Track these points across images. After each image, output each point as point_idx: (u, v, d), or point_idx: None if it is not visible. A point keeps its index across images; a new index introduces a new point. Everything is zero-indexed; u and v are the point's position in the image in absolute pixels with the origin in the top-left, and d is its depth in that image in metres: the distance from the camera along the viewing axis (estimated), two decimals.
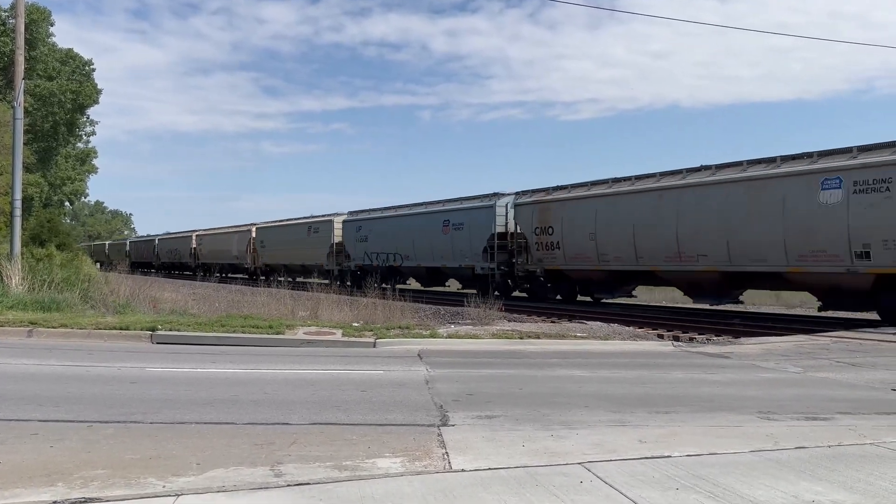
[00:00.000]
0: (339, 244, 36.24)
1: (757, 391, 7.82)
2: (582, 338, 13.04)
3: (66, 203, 64.54)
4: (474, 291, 24.49)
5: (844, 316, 18.58)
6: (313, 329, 12.78)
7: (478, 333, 12.89)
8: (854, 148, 16.54)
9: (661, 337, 15.20)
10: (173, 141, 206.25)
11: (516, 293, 26.91)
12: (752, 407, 6.74)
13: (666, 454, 4.92)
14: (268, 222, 47.30)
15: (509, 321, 16.74)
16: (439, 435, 5.43)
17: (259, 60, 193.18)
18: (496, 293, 25.00)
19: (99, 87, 55.23)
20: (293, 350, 11.07)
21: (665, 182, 20.72)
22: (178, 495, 3.92)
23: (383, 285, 24.85)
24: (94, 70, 54.97)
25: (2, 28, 45.22)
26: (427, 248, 29.77)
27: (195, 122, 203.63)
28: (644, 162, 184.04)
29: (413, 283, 32.55)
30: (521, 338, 12.49)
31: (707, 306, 20.95)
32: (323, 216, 39.61)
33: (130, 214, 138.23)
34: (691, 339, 15.07)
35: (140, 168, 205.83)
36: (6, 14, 45.87)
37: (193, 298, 21.88)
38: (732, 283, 19.54)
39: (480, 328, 14.09)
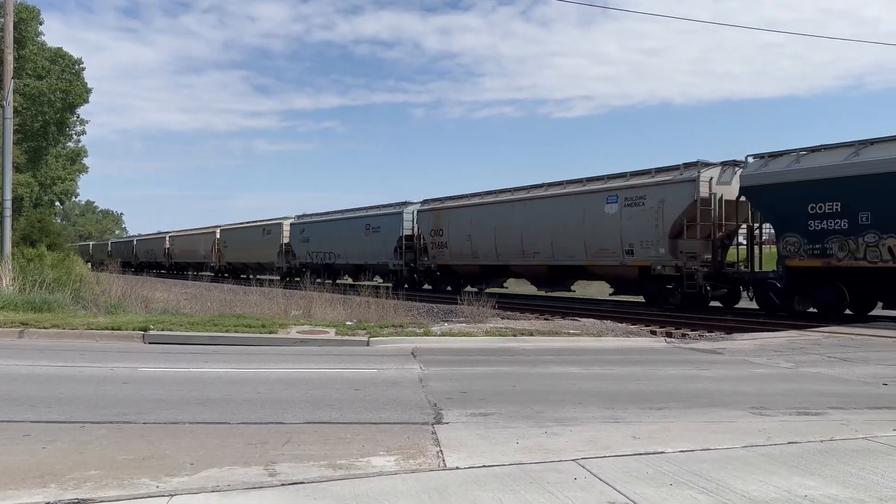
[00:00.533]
0: (287, 244, 41.62)
1: (749, 387, 7.85)
2: (575, 335, 13.06)
3: (57, 203, 64.11)
4: (391, 284, 29.36)
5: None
6: (306, 328, 12.76)
7: (471, 331, 12.90)
8: (627, 173, 22.41)
9: (653, 333, 15.25)
10: (165, 140, 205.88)
11: (426, 286, 32.42)
12: (745, 402, 6.78)
13: (659, 450, 4.94)
14: (229, 225, 52.01)
15: (502, 319, 16.74)
16: (433, 433, 5.43)
17: (251, 59, 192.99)
18: (405, 286, 30.97)
19: (89, 86, 54.93)
20: (286, 349, 11.05)
21: (516, 196, 26.73)
22: (172, 495, 3.90)
23: (318, 280, 31.66)
24: (83, 69, 54.66)
25: None
26: (355, 247, 35.39)
27: (187, 121, 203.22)
28: (636, 159, 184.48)
29: (349, 279, 37.70)
30: (514, 335, 12.50)
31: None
32: (274, 219, 44.70)
33: (121, 214, 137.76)
34: (684, 336, 15.12)
35: (132, 167, 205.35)
36: None
37: (185, 298, 21.80)
38: (558, 274, 25.25)
39: (474, 326, 14.09)
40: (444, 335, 12.38)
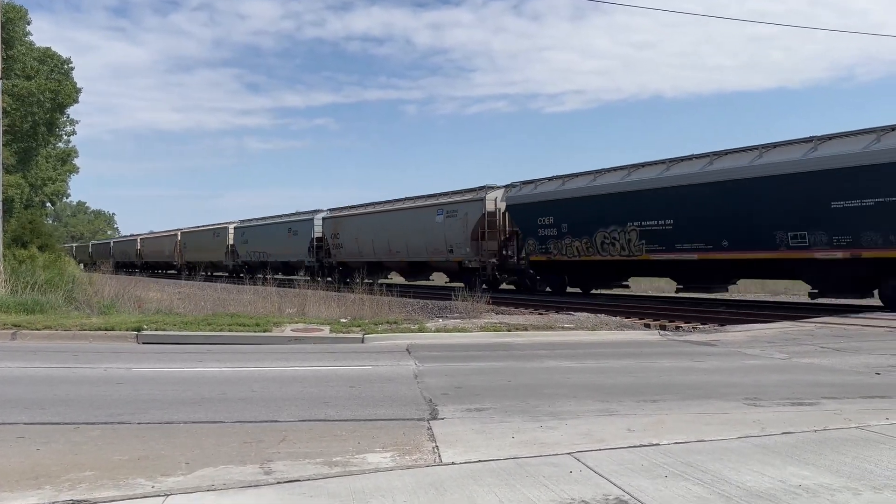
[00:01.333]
0: (232, 245, 48.12)
1: (743, 378, 7.89)
2: (569, 329, 13.09)
3: (48, 204, 63.86)
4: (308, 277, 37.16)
5: (828, 303, 18.79)
6: (301, 326, 12.75)
7: (466, 327, 12.91)
8: (449, 192, 30.91)
9: (647, 326, 15.29)
10: (157, 139, 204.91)
11: (328, 279, 36.95)
12: (739, 393, 6.80)
13: (654, 442, 4.96)
14: (188, 228, 58.23)
15: (497, 314, 16.76)
16: (429, 429, 5.43)
17: (241, 57, 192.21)
18: (318, 277, 36.50)
19: (78, 85, 54.68)
20: (281, 347, 11.04)
21: (385, 208, 34.92)
22: (168, 495, 3.90)
23: (258, 275, 32.73)
24: (72, 69, 54.36)
25: None
26: (281, 247, 42.37)
27: (179, 121, 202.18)
28: (627, 152, 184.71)
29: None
30: (508, 330, 12.52)
31: (691, 295, 21.66)
32: (220, 224, 51.29)
33: (113, 214, 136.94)
34: (678, 328, 15.17)
35: (124, 167, 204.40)
36: None
37: (179, 297, 21.73)
38: (414, 267, 33.13)
39: (468, 321, 14.10)
40: (438, 331, 12.39)
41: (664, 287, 28.49)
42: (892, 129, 16.24)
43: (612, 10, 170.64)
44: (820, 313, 16.02)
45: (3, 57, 19.94)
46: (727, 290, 22.54)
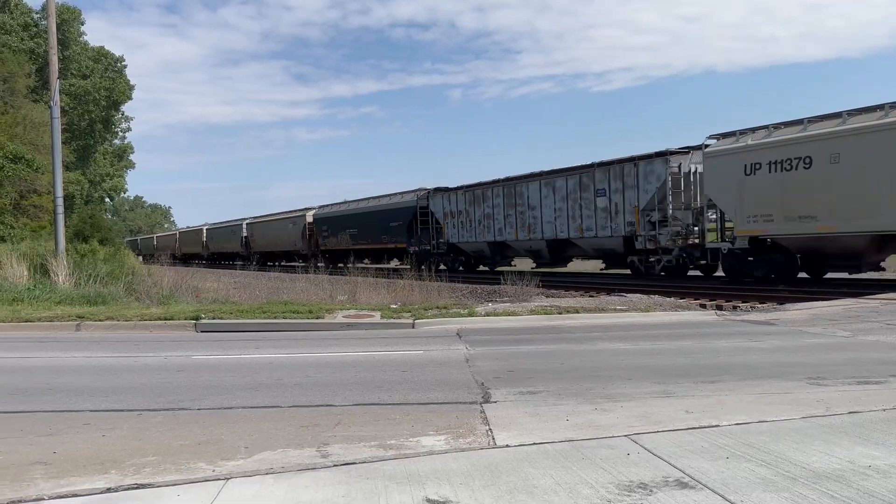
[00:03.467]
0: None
1: (805, 357, 7.65)
2: (622, 310, 12.90)
3: (107, 199, 65.95)
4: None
5: (893, 278, 18.07)
6: (352, 312, 12.87)
7: (515, 310, 12.84)
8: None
9: (703, 307, 14.97)
10: (208, 133, 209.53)
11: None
12: (801, 373, 6.60)
13: (714, 423, 4.84)
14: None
15: (547, 297, 16.64)
16: (482, 412, 5.42)
17: (289, 48, 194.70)
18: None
19: (132, 82, 56.17)
20: (333, 333, 11.16)
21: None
22: (228, 479, 3.97)
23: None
24: (125, 66, 55.88)
25: (35, 29, 46.05)
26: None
27: (229, 113, 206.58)
28: (678, 129, 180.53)
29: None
30: (559, 313, 12.41)
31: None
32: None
33: (169, 207, 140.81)
34: (735, 308, 14.81)
35: (177, 161, 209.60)
36: (38, 16, 46.71)
37: (235, 287, 22.18)
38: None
39: (518, 305, 14.03)
40: (488, 315, 12.35)
41: None
42: None
43: None
44: (885, 289, 15.42)
45: (59, 57, 20.51)
46: None
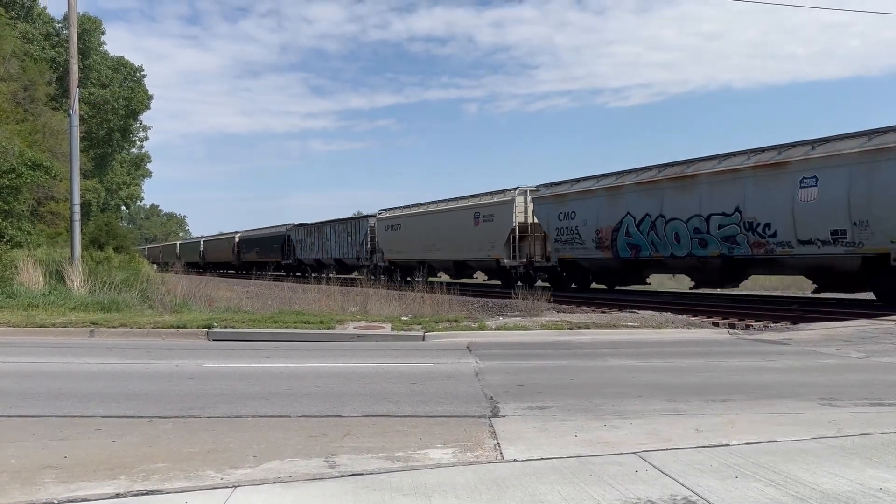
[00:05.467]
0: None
1: (818, 377, 7.59)
2: (633, 327, 12.85)
3: (123, 207, 66.54)
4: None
5: None
6: (363, 323, 12.89)
7: (526, 325, 12.82)
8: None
9: (716, 325, 14.87)
10: (225, 143, 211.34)
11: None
12: (814, 393, 6.54)
13: (724, 442, 4.81)
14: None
15: (558, 312, 16.59)
16: (490, 426, 5.41)
17: (307, 60, 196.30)
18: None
19: (150, 92, 56.82)
20: (344, 344, 11.18)
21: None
22: (236, 487, 3.99)
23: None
24: (144, 76, 56.51)
25: (56, 39, 46.75)
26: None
27: (246, 124, 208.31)
28: (693, 147, 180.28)
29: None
30: (570, 328, 12.37)
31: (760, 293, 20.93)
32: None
33: (184, 216, 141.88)
34: (748, 327, 14.70)
35: (194, 171, 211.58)
36: (60, 25, 47.42)
37: (247, 296, 22.28)
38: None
39: (529, 319, 14.00)
40: (499, 329, 12.34)
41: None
42: None
43: (679, 0, 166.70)
44: None
45: (79, 66, 20.79)
46: None
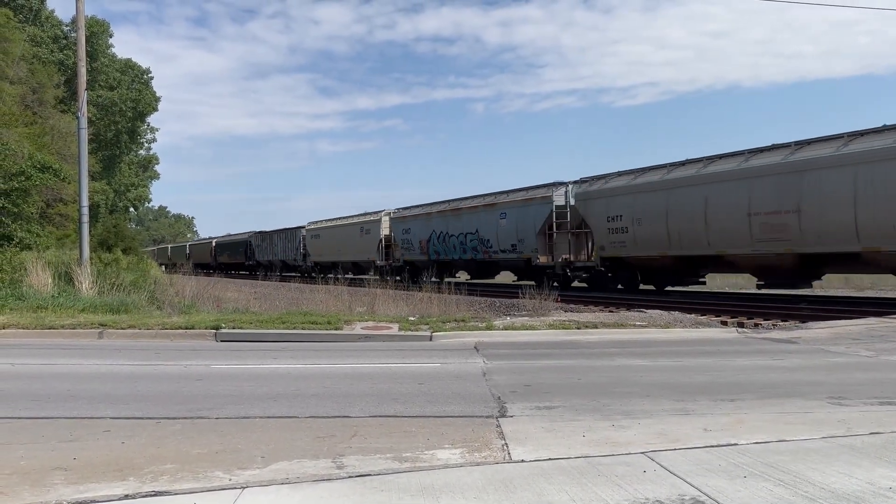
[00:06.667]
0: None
1: (827, 376, 7.55)
2: (641, 326, 12.81)
3: (131, 209, 66.80)
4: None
5: None
6: (370, 324, 12.91)
7: (534, 324, 12.80)
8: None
9: (724, 324, 14.83)
10: (233, 144, 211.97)
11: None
12: (823, 392, 6.51)
13: (732, 442, 4.79)
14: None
15: (566, 312, 16.56)
16: (498, 426, 5.41)
17: (315, 62, 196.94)
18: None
19: (158, 94, 57.05)
20: (351, 345, 11.20)
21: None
22: (244, 488, 4.00)
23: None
24: (152, 78, 56.77)
25: (64, 41, 46.98)
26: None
27: (254, 126, 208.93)
28: (699, 144, 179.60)
29: None
30: (578, 328, 12.35)
31: (770, 291, 20.76)
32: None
33: (192, 218, 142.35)
34: (756, 325, 14.66)
35: (202, 172, 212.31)
36: (68, 28, 47.66)
37: (255, 297, 22.33)
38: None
39: (537, 319, 13.98)
40: (506, 329, 12.33)
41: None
42: None
43: None
44: None
45: (87, 69, 20.89)
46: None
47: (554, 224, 26.21)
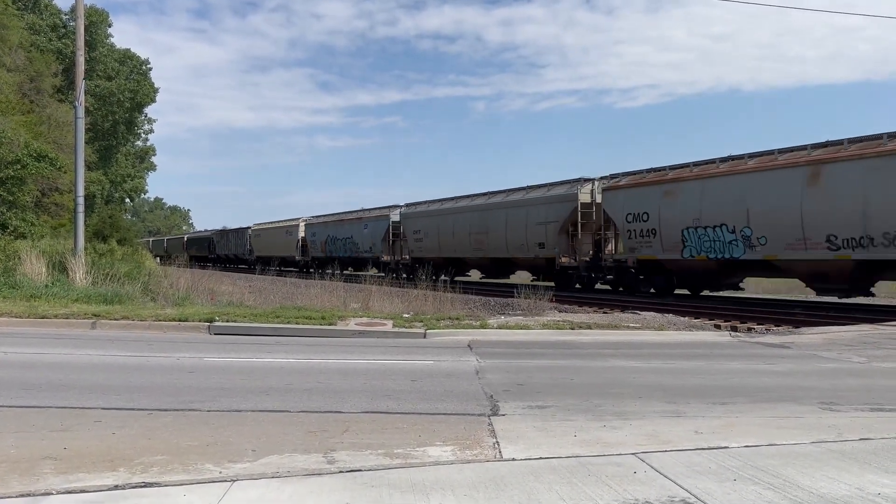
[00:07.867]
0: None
1: (818, 381, 7.57)
2: (635, 328, 12.83)
3: (127, 200, 66.60)
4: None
5: None
6: (365, 320, 12.90)
7: (528, 324, 12.81)
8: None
9: (717, 327, 14.86)
10: (231, 137, 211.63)
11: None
12: (814, 397, 6.53)
13: (723, 445, 4.80)
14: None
15: (560, 312, 16.58)
16: (490, 424, 5.41)
17: (315, 56, 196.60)
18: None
19: (157, 85, 56.87)
20: (345, 340, 11.19)
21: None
22: (234, 480, 4.00)
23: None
24: (150, 69, 56.55)
25: (63, 30, 46.80)
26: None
27: (253, 119, 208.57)
28: (700, 147, 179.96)
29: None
30: (572, 328, 12.36)
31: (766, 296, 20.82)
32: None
33: (188, 210, 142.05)
34: (749, 330, 14.69)
35: (200, 165, 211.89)
36: (66, 17, 47.48)
37: (250, 291, 22.33)
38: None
39: (531, 319, 13.99)
40: (500, 328, 12.33)
41: None
42: None
43: (688, 1, 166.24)
44: None
45: (85, 58, 20.81)
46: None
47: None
